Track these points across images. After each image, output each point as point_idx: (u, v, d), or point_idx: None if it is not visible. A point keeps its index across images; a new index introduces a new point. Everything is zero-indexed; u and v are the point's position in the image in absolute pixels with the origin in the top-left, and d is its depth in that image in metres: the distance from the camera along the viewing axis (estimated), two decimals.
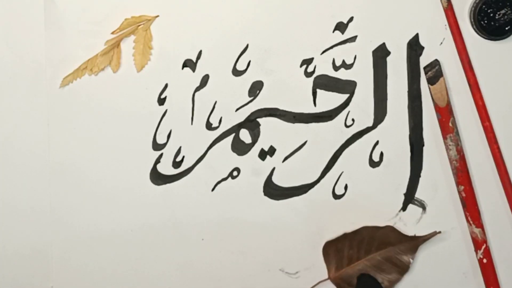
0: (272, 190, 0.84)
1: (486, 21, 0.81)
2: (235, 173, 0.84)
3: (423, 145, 0.83)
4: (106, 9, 0.84)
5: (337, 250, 0.83)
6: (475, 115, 0.83)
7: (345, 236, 0.83)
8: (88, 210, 0.85)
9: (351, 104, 0.84)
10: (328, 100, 0.84)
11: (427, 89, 0.83)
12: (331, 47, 0.83)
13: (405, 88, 0.83)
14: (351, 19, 0.83)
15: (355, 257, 0.83)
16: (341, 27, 0.83)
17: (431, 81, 0.82)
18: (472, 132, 0.83)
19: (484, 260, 0.83)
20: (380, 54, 0.83)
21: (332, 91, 0.84)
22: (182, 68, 0.84)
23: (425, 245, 0.84)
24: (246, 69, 0.84)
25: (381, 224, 0.84)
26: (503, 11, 0.81)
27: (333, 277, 0.84)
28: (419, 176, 0.84)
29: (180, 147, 0.84)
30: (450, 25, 0.82)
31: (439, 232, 0.83)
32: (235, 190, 0.85)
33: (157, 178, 0.85)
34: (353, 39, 0.83)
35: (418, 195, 0.84)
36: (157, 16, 0.84)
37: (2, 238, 0.86)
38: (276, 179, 0.84)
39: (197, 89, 0.84)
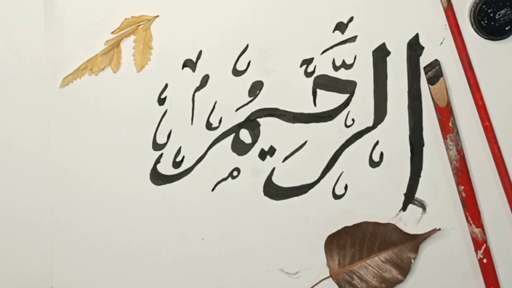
0: (272, 190, 0.84)
1: (486, 21, 0.81)
2: (235, 173, 0.84)
3: (423, 145, 0.83)
4: (106, 9, 0.84)
5: (339, 247, 0.83)
6: (475, 115, 0.83)
7: (346, 231, 0.83)
8: (88, 210, 0.85)
9: (351, 104, 0.84)
10: (328, 100, 0.84)
11: (427, 89, 0.83)
12: (331, 47, 0.83)
13: (405, 88, 0.83)
14: (351, 19, 0.83)
15: (357, 256, 0.83)
16: (341, 27, 0.83)
17: (431, 81, 0.82)
18: (472, 132, 0.83)
19: (484, 260, 0.83)
20: (380, 54, 0.83)
21: (332, 91, 0.84)
22: (182, 68, 0.84)
23: (425, 245, 0.84)
24: (246, 69, 0.84)
25: None
26: (503, 11, 0.81)
27: (335, 275, 0.84)
28: (419, 176, 0.84)
29: (180, 147, 0.84)
30: (450, 25, 0.82)
31: (439, 229, 0.83)
32: (235, 190, 0.85)
33: (157, 178, 0.85)
34: (353, 39, 0.83)
35: (418, 195, 0.84)
36: (157, 16, 0.84)
37: (2, 238, 0.86)
38: (276, 179, 0.84)
39: (197, 89, 0.84)
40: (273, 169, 0.84)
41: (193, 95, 0.84)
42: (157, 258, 0.85)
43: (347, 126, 0.84)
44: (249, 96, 0.84)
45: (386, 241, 0.83)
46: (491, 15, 0.81)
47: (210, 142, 0.84)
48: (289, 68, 0.84)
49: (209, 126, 0.84)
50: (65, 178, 0.85)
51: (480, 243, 0.83)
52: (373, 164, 0.84)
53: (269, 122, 0.84)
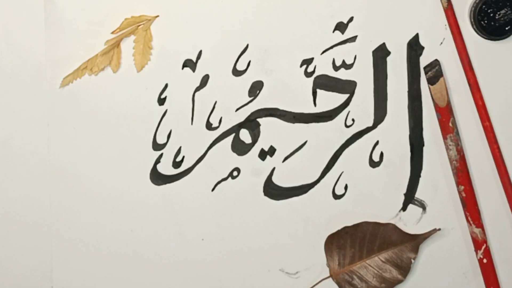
0: (272, 190, 0.84)
1: (486, 21, 0.81)
2: (235, 173, 0.84)
3: (423, 145, 0.83)
4: (106, 9, 0.84)
5: (339, 247, 0.83)
6: (475, 115, 0.83)
7: (346, 231, 0.83)
8: (88, 210, 0.85)
9: (351, 104, 0.84)
10: (328, 100, 0.84)
11: (427, 89, 0.83)
12: (331, 47, 0.83)
13: (405, 88, 0.83)
14: (351, 19, 0.83)
15: (357, 256, 0.83)
16: (341, 27, 0.83)
17: (431, 81, 0.82)
18: (472, 132, 0.83)
19: (484, 260, 0.83)
20: (380, 54, 0.83)
21: (332, 91, 0.84)
22: (182, 68, 0.84)
23: (425, 245, 0.84)
24: (246, 69, 0.84)
25: None
26: (503, 11, 0.81)
27: (335, 275, 0.84)
28: (419, 176, 0.84)
29: (180, 147, 0.84)
30: (450, 25, 0.82)
31: (439, 229, 0.83)
32: (235, 190, 0.85)
33: (157, 178, 0.85)
34: (353, 39, 0.83)
35: (418, 195, 0.84)
36: (157, 16, 0.84)
37: (2, 238, 0.86)
38: (276, 179, 0.84)
39: (197, 89, 0.84)
40: (273, 169, 0.84)
41: (193, 95, 0.84)
42: (157, 258, 0.85)
43: (347, 126, 0.84)
44: (249, 96, 0.84)
45: (386, 241, 0.83)
46: (491, 15, 0.81)
47: (210, 142, 0.84)
48: (289, 68, 0.84)
49: (209, 126, 0.84)
50: (65, 178, 0.85)
51: (480, 243, 0.83)
52: (373, 164, 0.84)
53: (269, 122, 0.84)
